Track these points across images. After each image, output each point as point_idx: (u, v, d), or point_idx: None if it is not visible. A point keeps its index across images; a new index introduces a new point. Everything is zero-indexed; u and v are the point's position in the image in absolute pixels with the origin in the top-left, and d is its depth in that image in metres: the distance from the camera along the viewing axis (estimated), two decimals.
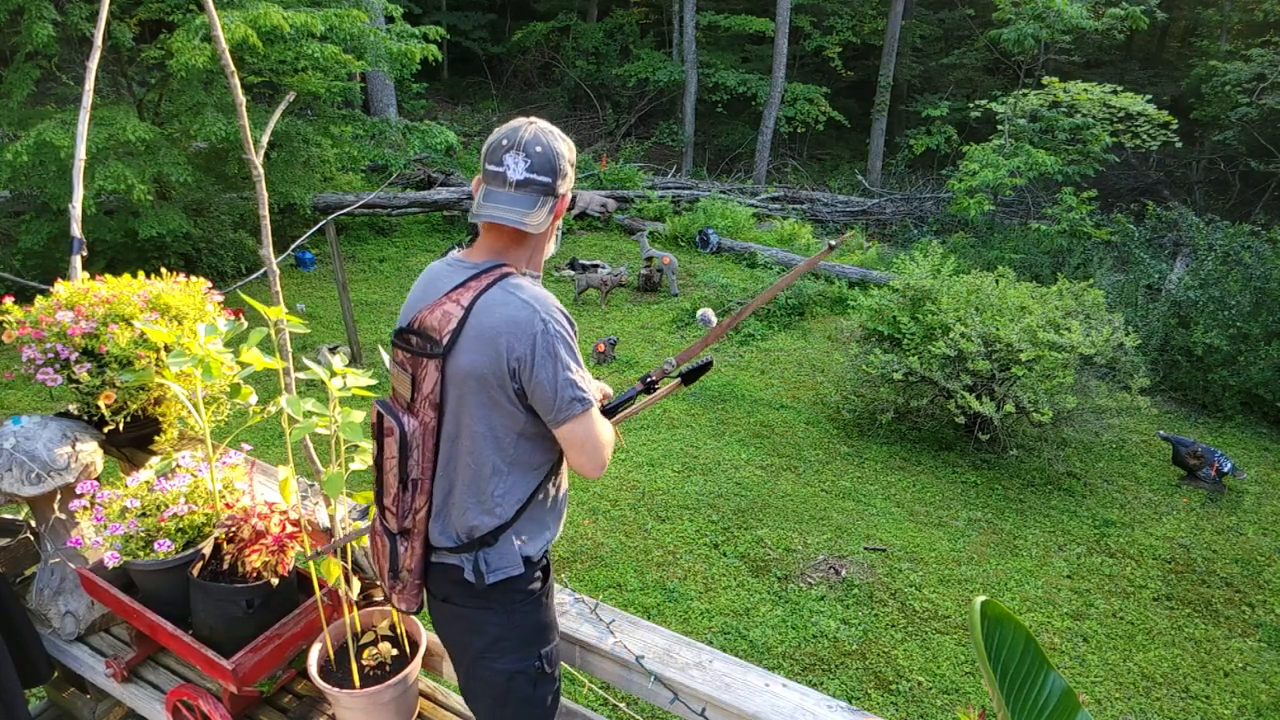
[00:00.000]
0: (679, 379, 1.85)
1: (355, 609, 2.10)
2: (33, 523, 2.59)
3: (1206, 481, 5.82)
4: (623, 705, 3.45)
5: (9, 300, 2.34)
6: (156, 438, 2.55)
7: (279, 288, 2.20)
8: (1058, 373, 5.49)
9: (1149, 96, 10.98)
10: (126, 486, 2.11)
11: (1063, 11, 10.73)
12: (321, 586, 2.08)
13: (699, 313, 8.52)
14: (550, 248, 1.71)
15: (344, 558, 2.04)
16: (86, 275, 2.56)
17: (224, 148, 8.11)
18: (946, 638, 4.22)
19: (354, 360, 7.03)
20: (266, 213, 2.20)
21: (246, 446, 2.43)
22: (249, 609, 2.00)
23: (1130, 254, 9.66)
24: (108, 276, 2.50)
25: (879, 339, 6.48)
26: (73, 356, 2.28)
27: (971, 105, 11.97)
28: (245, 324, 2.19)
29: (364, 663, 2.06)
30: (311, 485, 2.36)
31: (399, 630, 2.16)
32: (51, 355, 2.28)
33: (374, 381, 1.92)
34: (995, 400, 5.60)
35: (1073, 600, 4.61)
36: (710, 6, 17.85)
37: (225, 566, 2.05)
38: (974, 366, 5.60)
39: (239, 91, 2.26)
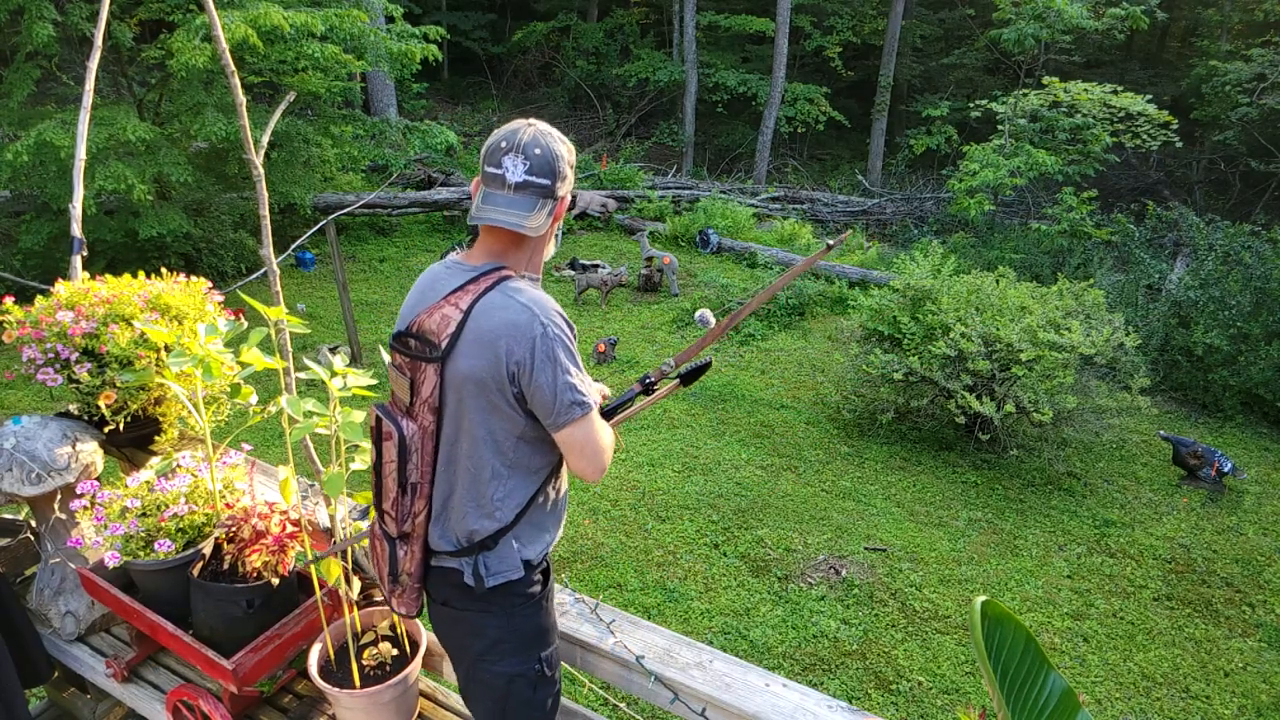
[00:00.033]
0: (678, 380, 1.84)
1: (355, 609, 2.10)
2: (33, 523, 2.59)
3: (1207, 481, 5.82)
4: (623, 705, 3.45)
5: (9, 300, 2.34)
6: (157, 438, 2.55)
7: (279, 288, 2.20)
8: (1058, 373, 5.49)
9: (1149, 96, 10.98)
10: (127, 486, 2.11)
11: (1063, 11, 10.74)
12: (322, 586, 2.08)
13: (697, 314, 8.52)
14: (550, 249, 1.70)
15: (344, 558, 2.04)
16: (86, 275, 2.56)
17: (224, 148, 8.11)
18: (947, 638, 4.22)
19: (354, 360, 7.03)
20: (266, 213, 2.20)
21: (247, 446, 2.43)
22: (249, 609, 2.00)
23: (1130, 254, 9.66)
24: (108, 276, 2.50)
25: (879, 339, 6.48)
26: (73, 356, 2.28)
27: (971, 105, 11.97)
28: (245, 324, 2.20)
29: (364, 663, 2.06)
30: (312, 485, 2.36)
31: (399, 630, 2.16)
32: (52, 355, 2.28)
33: (374, 381, 1.92)
34: (995, 400, 5.60)
35: (1073, 600, 4.61)
36: (710, 6, 17.85)
37: (225, 566, 2.05)
38: (974, 366, 5.60)
39: (239, 91, 2.27)
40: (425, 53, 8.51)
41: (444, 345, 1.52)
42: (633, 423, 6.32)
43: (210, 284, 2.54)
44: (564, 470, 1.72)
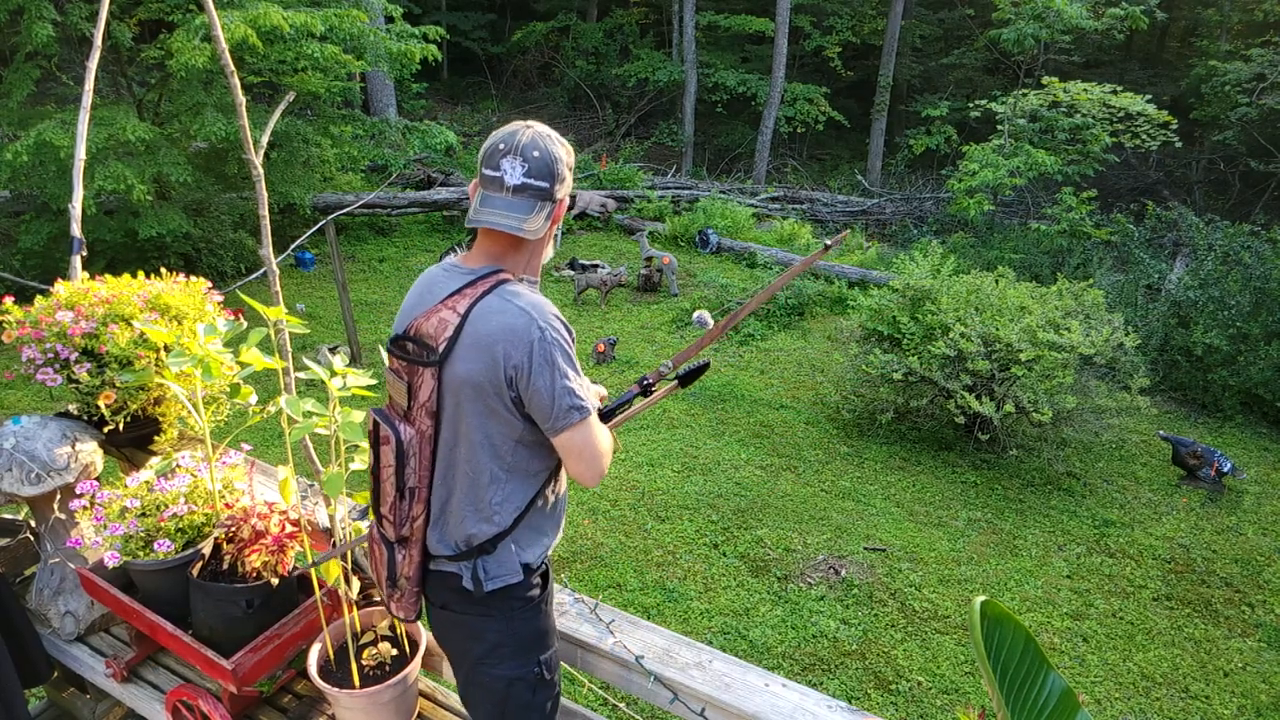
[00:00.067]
0: (676, 381, 1.84)
1: (355, 609, 2.10)
2: (33, 523, 2.59)
3: (1206, 481, 5.82)
4: (623, 705, 3.45)
5: (9, 300, 2.34)
6: (156, 438, 2.55)
7: (279, 288, 2.20)
8: (1057, 373, 5.49)
9: (1149, 96, 10.98)
10: (126, 486, 2.11)
11: (1062, 11, 10.74)
12: (321, 586, 2.08)
13: (695, 314, 8.52)
14: (548, 252, 1.69)
15: (344, 558, 2.04)
16: (86, 275, 2.57)
17: (224, 148, 8.11)
18: (946, 638, 4.22)
19: (354, 360, 7.03)
20: (266, 213, 2.21)
21: (246, 446, 2.43)
22: (249, 609, 2.00)
23: (1130, 254, 9.67)
24: (108, 276, 2.50)
25: (879, 339, 6.48)
26: (73, 356, 2.28)
27: (971, 105, 11.97)
28: (245, 324, 2.20)
29: (364, 663, 2.06)
30: (311, 485, 2.36)
31: (399, 630, 2.16)
32: (51, 355, 2.28)
33: (374, 381, 1.92)
34: (995, 400, 5.60)
35: (1072, 600, 4.61)
36: (710, 6, 17.85)
37: (225, 566, 2.05)
38: (974, 366, 5.60)
39: (239, 91, 2.27)
40: (425, 53, 8.51)
41: (441, 349, 1.51)
42: (632, 423, 6.32)
43: (210, 284, 2.54)
44: (562, 473, 1.72)
